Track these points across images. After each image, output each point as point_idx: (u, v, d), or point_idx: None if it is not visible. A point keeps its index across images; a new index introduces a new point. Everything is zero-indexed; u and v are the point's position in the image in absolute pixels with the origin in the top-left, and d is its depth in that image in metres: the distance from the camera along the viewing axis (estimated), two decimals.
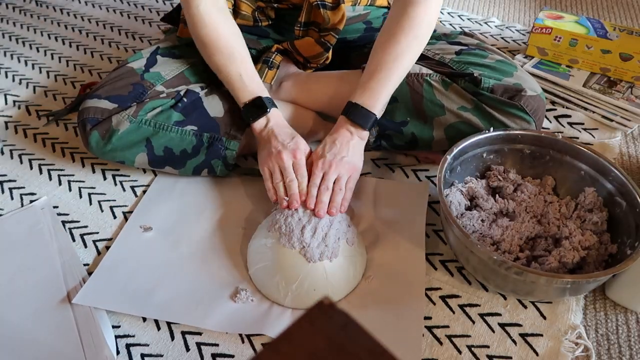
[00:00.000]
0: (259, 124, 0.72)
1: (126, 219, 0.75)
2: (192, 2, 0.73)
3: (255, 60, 0.84)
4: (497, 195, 0.72)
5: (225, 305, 0.62)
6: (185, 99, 0.76)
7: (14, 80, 1.04)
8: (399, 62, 0.70)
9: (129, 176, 0.82)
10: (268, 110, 0.72)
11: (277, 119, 0.73)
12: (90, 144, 0.74)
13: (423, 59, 0.79)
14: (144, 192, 0.79)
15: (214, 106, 0.76)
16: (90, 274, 0.67)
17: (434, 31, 0.82)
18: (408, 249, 0.68)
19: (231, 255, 0.68)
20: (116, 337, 0.60)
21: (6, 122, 0.93)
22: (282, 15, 0.85)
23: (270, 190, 0.68)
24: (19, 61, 1.10)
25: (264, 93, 0.74)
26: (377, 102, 0.71)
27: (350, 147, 0.70)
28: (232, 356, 0.59)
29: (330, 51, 0.83)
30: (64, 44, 1.16)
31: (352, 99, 0.71)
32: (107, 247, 0.70)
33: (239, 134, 0.75)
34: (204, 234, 0.71)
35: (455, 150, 0.67)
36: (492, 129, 0.70)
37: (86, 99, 0.76)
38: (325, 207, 0.65)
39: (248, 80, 0.73)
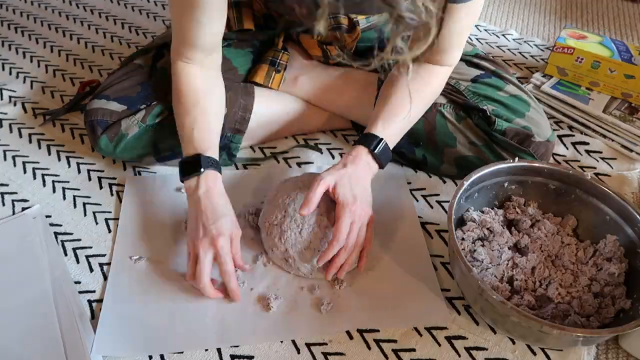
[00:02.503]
0: (189, 183, 0.64)
1: None
2: (172, 51, 0.68)
3: (258, 56, 0.83)
4: (512, 227, 0.69)
5: (254, 316, 0.61)
6: None
7: (10, 73, 1.00)
8: (419, 109, 0.70)
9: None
10: (202, 170, 0.62)
11: (210, 184, 0.63)
12: (100, 146, 0.74)
13: None
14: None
15: None
16: (80, 293, 0.64)
17: None
18: (407, 235, 0.71)
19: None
20: None
21: (1, 120, 0.89)
22: (293, 23, 0.82)
23: (189, 270, 0.61)
24: (17, 52, 1.06)
25: (208, 152, 0.64)
26: (395, 142, 0.69)
27: (368, 187, 0.65)
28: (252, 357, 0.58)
29: (334, 59, 0.82)
30: (64, 35, 1.11)
31: (376, 132, 0.65)
32: (100, 265, 0.67)
33: (243, 127, 0.76)
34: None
35: (474, 177, 0.65)
36: (517, 158, 0.68)
37: (94, 99, 0.75)
38: (336, 270, 0.61)
39: (198, 138, 0.64)
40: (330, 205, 0.64)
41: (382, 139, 0.65)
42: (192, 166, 0.64)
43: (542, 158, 0.73)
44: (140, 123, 0.73)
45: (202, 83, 0.68)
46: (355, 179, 0.62)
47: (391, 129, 0.66)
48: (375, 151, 0.64)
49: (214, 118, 0.68)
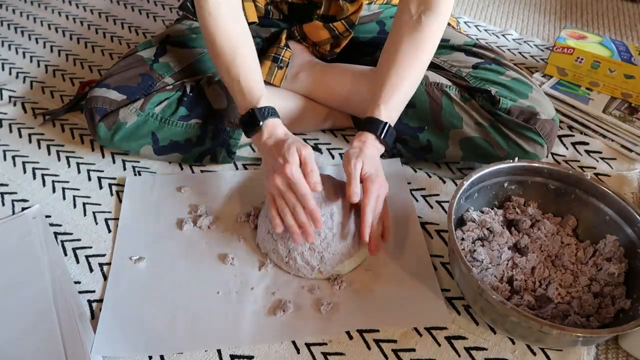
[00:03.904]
0: (256, 138, 0.68)
1: None
2: (203, 3, 0.69)
3: (261, 53, 0.84)
4: (512, 227, 0.69)
5: (254, 316, 0.62)
6: (190, 94, 0.76)
7: (10, 73, 1.00)
8: (417, 77, 0.70)
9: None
10: (260, 123, 0.66)
11: (271, 129, 0.66)
12: (98, 134, 0.75)
13: (440, 69, 0.78)
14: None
15: (217, 97, 0.76)
16: (80, 292, 0.64)
17: (448, 41, 0.80)
18: (405, 227, 0.72)
19: (235, 257, 0.68)
20: None
21: (1, 120, 0.89)
22: (295, 10, 0.84)
23: (274, 219, 0.62)
24: (17, 52, 1.06)
25: (260, 103, 0.67)
26: (397, 116, 0.70)
27: (380, 164, 0.68)
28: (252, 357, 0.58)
29: (342, 44, 0.83)
30: (64, 35, 1.11)
31: (379, 116, 0.67)
32: (100, 265, 0.67)
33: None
34: (198, 249, 0.69)
35: (474, 177, 0.65)
36: (517, 158, 0.68)
37: (95, 87, 0.76)
38: (377, 241, 0.63)
39: (247, 88, 0.68)
40: (330, 205, 0.64)
41: (386, 123, 0.67)
42: (250, 122, 0.67)
43: (548, 137, 0.72)
44: (138, 111, 0.74)
45: (234, 30, 0.69)
46: (371, 157, 0.65)
47: (393, 108, 0.68)
48: (382, 137, 0.67)
49: (256, 64, 0.70)
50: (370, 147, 0.66)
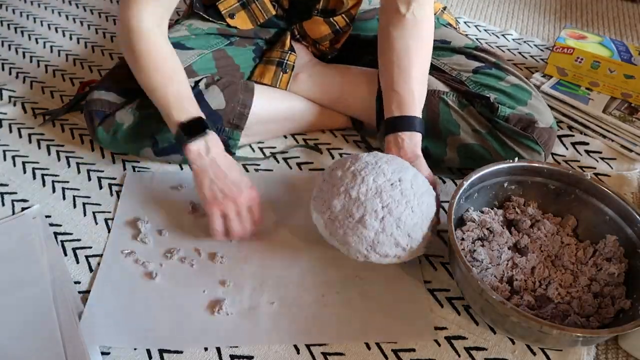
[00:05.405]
0: (195, 145, 0.65)
1: None
2: (132, 16, 0.65)
3: (263, 54, 0.84)
4: (512, 227, 0.69)
5: (240, 316, 0.62)
6: None
7: (10, 73, 1.00)
8: (428, 66, 0.74)
9: None
10: (207, 131, 0.65)
11: (217, 148, 0.66)
12: (97, 137, 0.76)
13: (439, 72, 0.77)
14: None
15: (215, 98, 0.76)
16: (80, 292, 0.64)
17: (449, 43, 0.80)
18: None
19: (224, 256, 0.68)
20: None
21: (0, 120, 0.89)
22: (295, 4, 0.83)
23: (220, 232, 0.66)
24: (17, 53, 1.06)
25: (203, 116, 0.67)
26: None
27: None
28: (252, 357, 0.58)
29: (341, 39, 0.82)
30: (64, 35, 1.11)
31: (414, 114, 0.69)
32: (100, 265, 0.67)
33: (242, 123, 0.76)
34: (188, 246, 0.69)
35: (474, 177, 0.65)
36: (516, 159, 0.68)
37: (93, 90, 0.76)
38: None
39: (186, 102, 0.67)
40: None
41: (421, 119, 0.70)
42: (195, 128, 0.65)
43: (545, 145, 0.72)
44: (134, 111, 0.74)
45: (167, 48, 0.68)
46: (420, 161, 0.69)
47: (417, 101, 0.71)
48: (420, 129, 0.70)
49: (187, 83, 0.69)
50: (417, 151, 0.69)
